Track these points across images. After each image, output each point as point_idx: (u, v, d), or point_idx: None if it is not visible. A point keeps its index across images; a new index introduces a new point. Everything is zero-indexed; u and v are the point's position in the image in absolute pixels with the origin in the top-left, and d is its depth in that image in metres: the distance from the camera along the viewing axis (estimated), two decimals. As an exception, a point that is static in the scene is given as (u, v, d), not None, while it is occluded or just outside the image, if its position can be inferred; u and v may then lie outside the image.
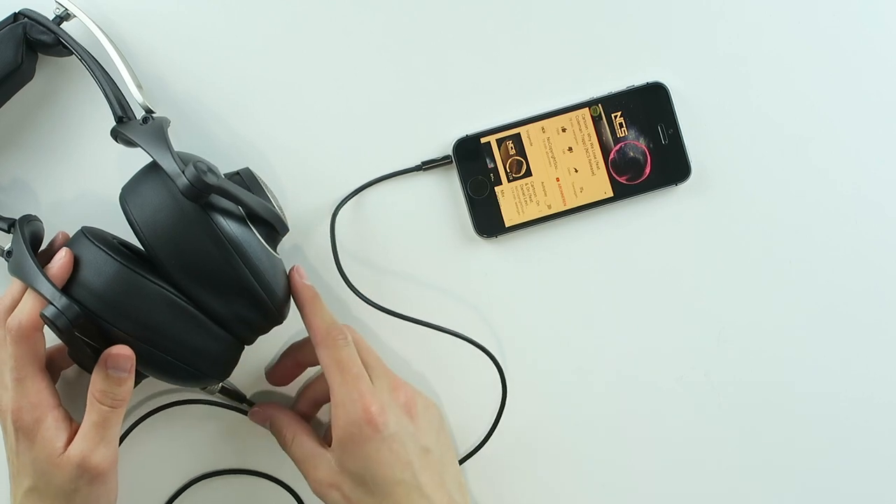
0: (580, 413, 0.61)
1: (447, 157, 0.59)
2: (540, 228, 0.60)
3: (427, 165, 0.59)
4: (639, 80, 0.60)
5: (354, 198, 0.59)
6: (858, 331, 0.61)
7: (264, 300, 0.50)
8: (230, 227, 0.49)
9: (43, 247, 0.52)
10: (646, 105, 0.59)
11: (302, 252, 0.59)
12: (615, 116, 0.59)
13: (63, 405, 0.51)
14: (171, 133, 0.51)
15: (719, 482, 0.61)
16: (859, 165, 0.61)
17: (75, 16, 0.55)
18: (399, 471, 0.51)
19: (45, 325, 0.48)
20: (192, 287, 0.49)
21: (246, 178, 0.53)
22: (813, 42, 0.60)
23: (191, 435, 0.59)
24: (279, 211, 0.53)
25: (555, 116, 0.59)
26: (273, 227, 0.52)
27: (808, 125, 0.60)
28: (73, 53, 0.54)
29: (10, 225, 0.52)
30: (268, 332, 0.53)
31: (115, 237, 0.53)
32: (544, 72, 0.60)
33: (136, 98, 0.52)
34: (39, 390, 0.49)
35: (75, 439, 0.49)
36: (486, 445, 0.60)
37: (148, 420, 0.58)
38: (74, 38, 0.54)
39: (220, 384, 0.57)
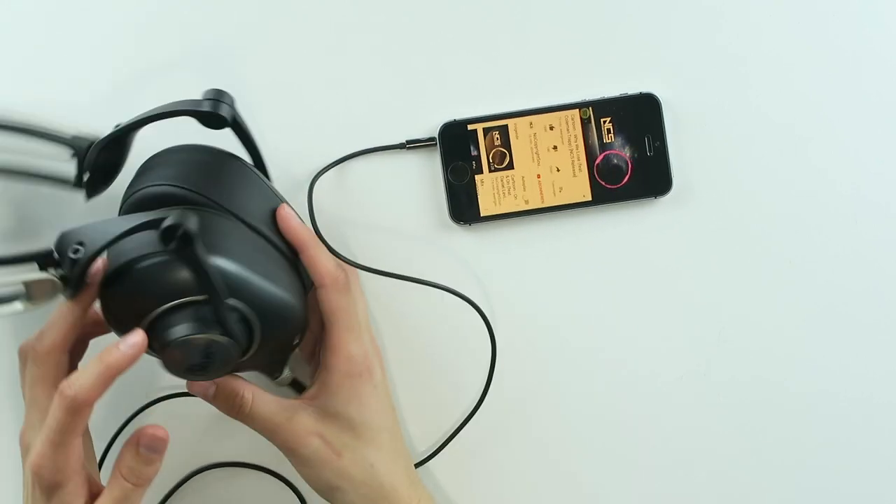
0: (569, 411, 0.61)
1: (432, 138, 0.59)
2: (514, 222, 0.60)
3: (411, 144, 0.59)
4: (633, 88, 0.59)
5: (336, 169, 0.59)
6: (858, 331, 0.61)
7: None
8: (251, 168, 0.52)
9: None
10: (636, 114, 0.59)
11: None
12: (604, 121, 0.59)
13: (86, 467, 0.48)
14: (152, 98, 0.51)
15: (720, 481, 0.61)
16: (859, 165, 0.61)
17: None
18: (385, 418, 0.53)
19: (165, 243, 0.43)
20: (256, 223, 0.50)
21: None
22: (813, 43, 0.60)
23: (191, 427, 0.59)
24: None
25: (544, 113, 0.59)
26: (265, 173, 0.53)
27: (808, 126, 0.61)
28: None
29: (46, 253, 0.46)
30: None
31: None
32: (542, 68, 0.60)
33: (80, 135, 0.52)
34: (68, 456, 0.46)
35: None
36: (472, 421, 0.60)
37: (149, 410, 0.59)
38: None
39: (291, 376, 0.56)
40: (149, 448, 0.46)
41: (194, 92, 0.49)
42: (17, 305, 0.45)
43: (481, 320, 0.58)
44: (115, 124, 0.50)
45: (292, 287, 0.50)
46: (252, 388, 0.52)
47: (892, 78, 0.61)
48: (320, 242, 0.53)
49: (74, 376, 0.45)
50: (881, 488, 0.62)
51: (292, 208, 0.52)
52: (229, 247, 0.47)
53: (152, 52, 0.59)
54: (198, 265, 0.44)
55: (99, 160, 0.51)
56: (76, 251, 0.44)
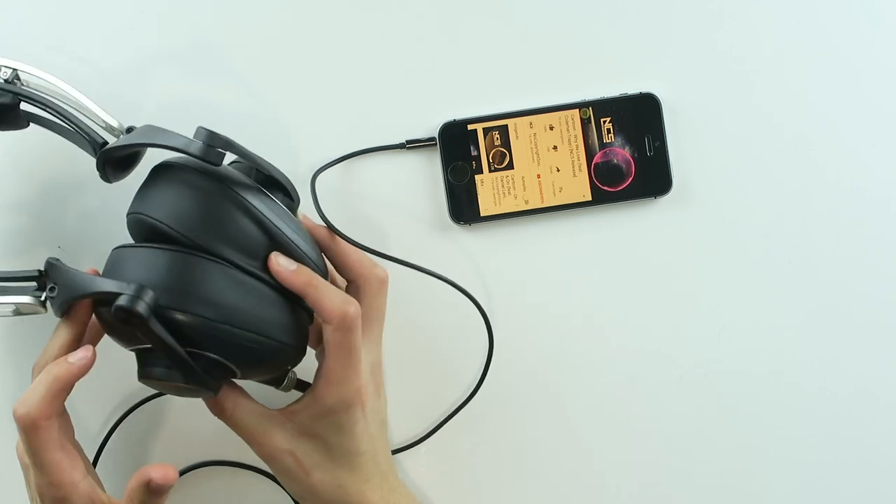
0: (568, 410, 0.61)
1: (432, 138, 0.59)
2: (514, 222, 0.60)
3: (411, 144, 0.59)
4: (633, 88, 0.60)
5: (336, 169, 0.59)
6: (859, 330, 0.61)
7: (308, 261, 0.50)
8: (253, 196, 0.48)
9: None
10: (636, 114, 0.59)
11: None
12: (604, 121, 0.59)
13: (89, 475, 0.48)
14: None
15: (720, 480, 0.61)
16: (859, 165, 0.61)
17: (22, 76, 0.53)
18: (365, 443, 0.52)
19: (122, 321, 0.44)
20: (242, 261, 0.47)
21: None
22: (813, 43, 0.61)
23: (184, 425, 0.59)
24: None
25: (544, 113, 0.59)
26: (288, 195, 0.52)
27: (808, 126, 0.61)
28: (29, 120, 0.53)
29: (42, 273, 0.49)
30: None
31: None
32: (542, 67, 0.60)
33: (112, 125, 0.52)
34: (60, 470, 0.46)
35: None
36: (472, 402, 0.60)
37: (143, 408, 0.58)
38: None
39: (295, 378, 0.54)
40: (158, 489, 0.47)
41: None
42: (8, 313, 0.50)
43: (480, 316, 0.58)
44: (127, 127, 0.52)
45: (283, 324, 0.49)
46: (235, 396, 0.51)
47: (892, 78, 0.61)
48: (321, 280, 0.50)
49: (26, 394, 0.45)
50: (882, 486, 0.62)
51: (299, 231, 0.50)
52: (207, 296, 0.46)
53: (152, 51, 0.59)
54: (152, 336, 0.45)
55: (112, 159, 0.51)
56: (52, 289, 0.48)
